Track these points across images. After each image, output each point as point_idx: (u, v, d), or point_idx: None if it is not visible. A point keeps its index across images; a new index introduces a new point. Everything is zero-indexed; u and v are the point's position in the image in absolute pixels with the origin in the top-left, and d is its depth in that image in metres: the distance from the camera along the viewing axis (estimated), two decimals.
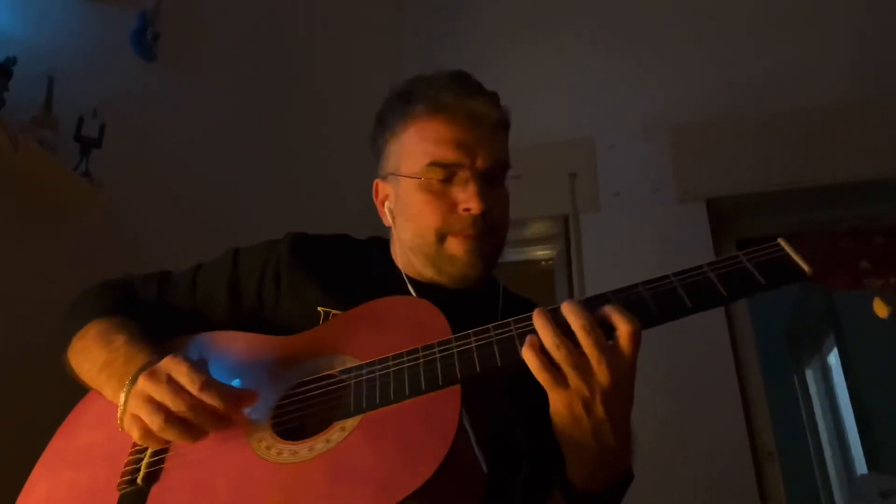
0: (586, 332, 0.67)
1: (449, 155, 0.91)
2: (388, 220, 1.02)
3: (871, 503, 2.37)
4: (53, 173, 1.56)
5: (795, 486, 3.26)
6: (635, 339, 0.68)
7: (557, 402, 0.69)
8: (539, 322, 0.70)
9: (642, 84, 2.84)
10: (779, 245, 0.72)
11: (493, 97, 0.97)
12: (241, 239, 1.08)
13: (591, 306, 0.71)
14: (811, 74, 2.64)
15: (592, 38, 3.00)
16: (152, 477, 0.77)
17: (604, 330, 0.69)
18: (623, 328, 0.68)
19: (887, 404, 3.18)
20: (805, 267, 0.69)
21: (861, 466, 3.49)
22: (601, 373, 0.67)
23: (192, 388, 0.74)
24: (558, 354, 0.68)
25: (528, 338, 0.70)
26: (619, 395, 0.68)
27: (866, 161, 2.47)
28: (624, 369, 0.68)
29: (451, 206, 0.92)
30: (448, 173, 0.92)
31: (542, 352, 0.68)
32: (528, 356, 0.69)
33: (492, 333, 0.74)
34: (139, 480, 0.76)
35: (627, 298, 0.72)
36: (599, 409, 0.68)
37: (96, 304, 0.97)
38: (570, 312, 0.69)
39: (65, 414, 0.91)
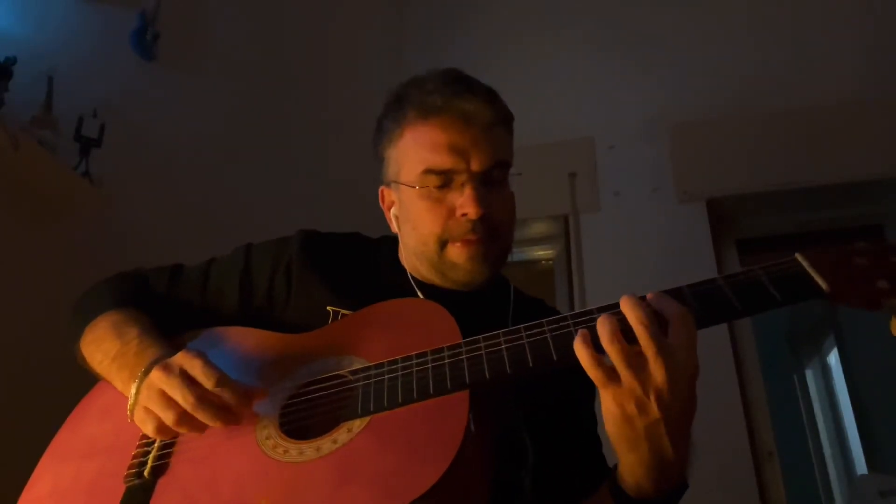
0: (644, 327, 0.64)
1: (443, 161, 0.90)
2: (394, 226, 1.02)
3: (871, 503, 2.37)
4: (53, 173, 1.55)
5: (795, 486, 3.25)
6: (687, 323, 0.65)
7: (609, 400, 0.66)
8: (600, 319, 0.67)
9: (642, 84, 2.84)
10: (796, 260, 0.69)
11: (486, 94, 0.94)
12: (241, 239, 1.07)
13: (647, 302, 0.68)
14: (811, 74, 2.65)
15: (592, 38, 2.99)
16: (159, 470, 0.77)
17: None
18: (677, 322, 0.65)
19: (887, 404, 3.18)
20: (823, 285, 0.66)
21: (861, 466, 3.49)
22: (657, 370, 0.64)
23: (207, 384, 0.74)
24: (612, 349, 0.65)
25: (580, 332, 0.67)
26: (677, 397, 0.65)
27: (866, 161, 2.47)
28: (684, 368, 0.64)
29: (450, 211, 0.91)
30: (444, 179, 0.91)
31: (594, 347, 0.66)
32: (579, 350, 0.66)
33: (501, 339, 0.73)
34: (146, 474, 0.77)
35: None
36: (654, 409, 0.65)
37: (109, 295, 0.97)
38: (627, 306, 0.66)
39: (65, 410, 0.91)
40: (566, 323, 0.71)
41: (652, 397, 0.65)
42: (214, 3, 2.37)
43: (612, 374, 0.65)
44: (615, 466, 0.75)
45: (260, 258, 1.01)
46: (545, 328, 0.72)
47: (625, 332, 0.66)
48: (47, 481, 0.82)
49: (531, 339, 0.72)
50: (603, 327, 0.66)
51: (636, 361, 0.65)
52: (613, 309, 0.70)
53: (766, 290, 0.67)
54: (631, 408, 0.65)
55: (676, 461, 0.69)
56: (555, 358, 0.70)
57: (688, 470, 0.72)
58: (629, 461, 0.70)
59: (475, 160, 0.90)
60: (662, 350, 0.64)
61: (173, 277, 1.02)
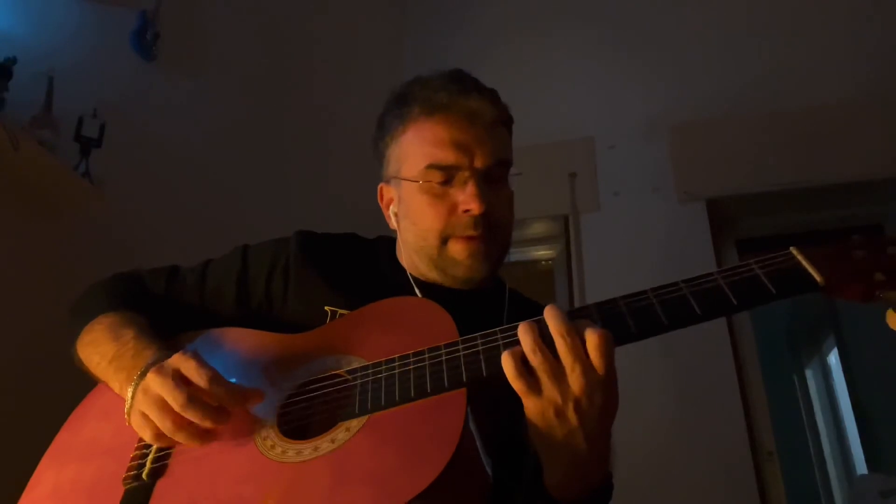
0: (562, 338, 0.66)
1: (447, 156, 0.91)
2: (392, 223, 1.02)
3: (872, 503, 2.37)
4: (53, 173, 1.56)
5: (795, 486, 3.26)
6: (603, 347, 0.66)
7: (531, 409, 0.69)
8: (522, 328, 0.69)
9: (642, 84, 2.84)
10: (791, 254, 0.70)
11: (490, 94, 0.96)
12: (240, 239, 1.07)
13: (574, 314, 0.70)
14: (812, 75, 2.65)
15: (593, 38, 3.00)
16: (157, 472, 0.77)
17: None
18: (591, 338, 0.66)
19: (887, 404, 3.18)
20: (818, 277, 0.67)
21: (861, 466, 3.48)
22: (574, 381, 0.66)
23: (201, 382, 0.74)
24: (535, 360, 0.67)
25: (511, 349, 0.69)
26: (593, 405, 0.67)
27: (866, 161, 2.47)
28: (598, 378, 0.66)
29: (452, 207, 0.91)
30: (447, 175, 0.91)
31: (521, 360, 0.68)
32: (505, 362, 0.68)
33: (498, 337, 0.73)
34: (144, 475, 0.76)
35: (634, 305, 0.71)
36: (572, 417, 0.67)
37: (106, 296, 0.97)
38: (550, 318, 0.68)
39: (65, 410, 0.91)
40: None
41: (570, 406, 0.67)
42: (214, 3, 2.38)
43: (533, 385, 0.67)
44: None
45: (257, 259, 1.00)
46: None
47: (549, 344, 0.67)
48: (47, 483, 0.82)
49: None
50: (525, 338, 0.68)
51: (557, 371, 0.67)
52: (609, 306, 0.71)
53: (762, 284, 0.68)
54: (551, 416, 0.68)
55: (594, 464, 0.71)
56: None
57: (611, 470, 0.75)
58: (549, 465, 0.72)
59: (478, 157, 0.91)
60: (579, 360, 0.66)
61: (170, 279, 1.02)
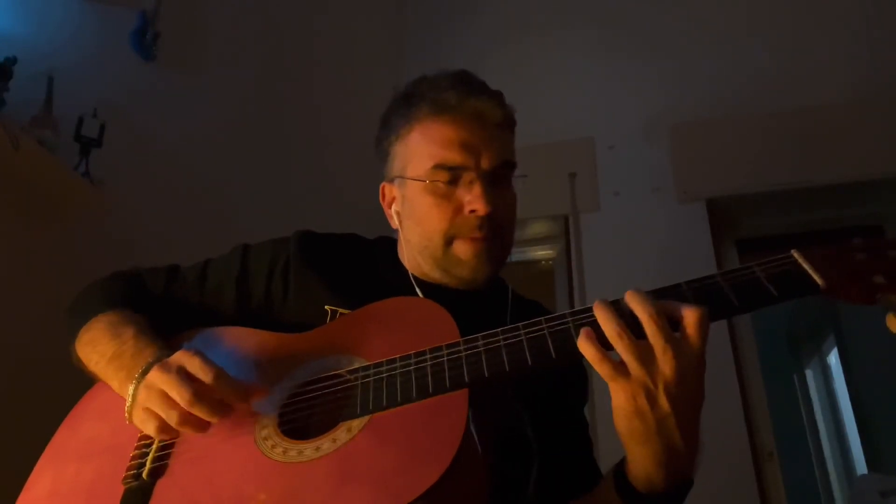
0: (653, 320, 0.65)
1: (454, 157, 0.91)
2: (395, 222, 1.02)
3: (871, 503, 2.37)
4: (53, 173, 1.56)
5: (795, 486, 3.26)
6: (703, 325, 0.65)
7: (619, 393, 0.67)
8: (601, 312, 0.67)
9: (642, 84, 2.84)
10: (792, 256, 0.70)
11: (497, 96, 0.96)
12: (240, 239, 1.07)
13: (655, 297, 0.68)
14: (812, 75, 2.65)
15: (593, 37, 2.99)
16: (157, 472, 0.77)
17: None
18: (690, 316, 0.65)
19: (887, 404, 3.18)
20: (819, 280, 0.67)
21: (861, 466, 3.49)
22: (666, 363, 0.64)
23: (206, 378, 0.74)
24: (620, 344, 0.65)
25: (584, 329, 0.67)
26: (686, 389, 0.65)
27: (866, 161, 2.47)
28: (690, 360, 0.65)
29: (458, 208, 0.92)
30: (453, 175, 0.92)
31: (599, 342, 0.66)
32: (584, 347, 0.66)
33: (500, 337, 0.73)
34: (144, 475, 0.76)
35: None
36: (664, 402, 0.65)
37: (104, 295, 0.97)
38: (635, 301, 0.66)
39: (63, 409, 0.91)
40: (564, 321, 0.72)
41: (661, 390, 0.65)
42: (214, 3, 2.38)
43: (620, 368, 0.66)
44: (621, 462, 0.75)
45: (257, 259, 1.00)
46: (543, 326, 0.72)
47: (629, 327, 0.66)
48: (46, 482, 0.82)
49: (530, 337, 0.72)
50: (608, 323, 0.66)
51: (645, 354, 0.65)
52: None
53: (763, 287, 0.68)
54: (642, 401, 0.66)
55: (687, 454, 0.69)
56: (553, 356, 0.70)
57: (696, 466, 0.73)
58: (640, 456, 0.70)
59: (485, 158, 0.92)
60: (671, 342, 0.64)
61: (170, 278, 1.02)
